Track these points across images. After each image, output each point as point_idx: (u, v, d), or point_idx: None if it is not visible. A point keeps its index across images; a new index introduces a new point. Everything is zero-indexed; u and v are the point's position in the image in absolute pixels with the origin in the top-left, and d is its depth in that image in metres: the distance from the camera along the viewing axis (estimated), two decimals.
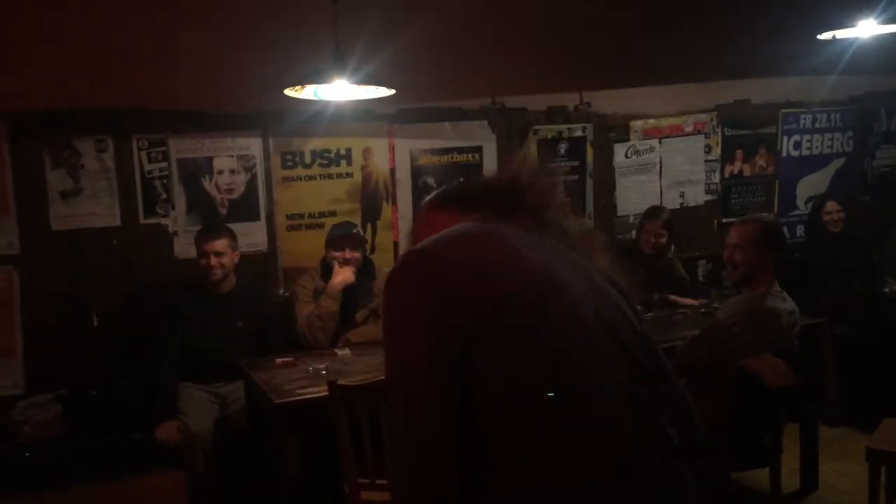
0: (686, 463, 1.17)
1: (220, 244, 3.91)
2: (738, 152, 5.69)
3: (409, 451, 1.10)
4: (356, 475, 2.96)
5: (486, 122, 5.02)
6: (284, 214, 4.63)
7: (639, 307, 1.32)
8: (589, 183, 5.30)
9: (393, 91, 3.13)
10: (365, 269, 4.10)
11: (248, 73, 3.61)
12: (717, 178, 5.65)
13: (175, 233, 4.38)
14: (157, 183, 4.34)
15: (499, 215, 1.27)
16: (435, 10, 2.98)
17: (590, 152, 5.31)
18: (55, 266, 4.14)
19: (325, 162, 4.71)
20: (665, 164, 5.50)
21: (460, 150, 4.98)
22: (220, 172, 4.48)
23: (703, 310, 4.24)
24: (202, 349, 3.89)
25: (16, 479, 3.58)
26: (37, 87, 3.73)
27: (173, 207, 4.38)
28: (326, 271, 4.06)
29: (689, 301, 4.47)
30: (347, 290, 4.00)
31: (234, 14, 2.97)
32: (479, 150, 5.02)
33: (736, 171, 5.71)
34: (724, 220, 5.57)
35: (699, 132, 5.57)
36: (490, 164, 5.04)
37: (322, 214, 4.71)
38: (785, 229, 5.74)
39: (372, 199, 4.82)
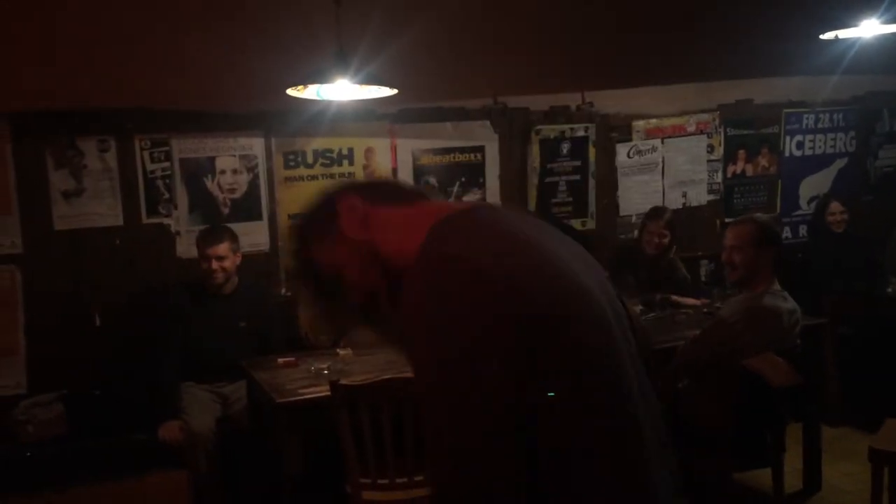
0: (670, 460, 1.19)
1: (222, 248, 3.90)
2: (741, 152, 5.69)
3: (462, 460, 1.06)
4: (358, 475, 2.96)
5: (488, 122, 5.02)
6: (286, 214, 4.63)
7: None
8: (591, 183, 5.30)
9: (395, 91, 3.13)
10: None
11: (250, 73, 3.62)
12: (719, 178, 5.64)
13: (177, 233, 4.39)
14: (160, 183, 4.35)
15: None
16: (437, 11, 2.98)
17: (592, 152, 5.30)
18: (58, 266, 4.15)
19: (328, 162, 4.71)
20: (667, 164, 5.50)
21: (462, 150, 4.98)
22: (223, 172, 4.49)
23: (704, 310, 4.24)
24: (204, 349, 3.90)
25: (18, 479, 3.59)
26: (39, 87, 3.73)
27: (176, 207, 4.38)
28: None
29: (690, 301, 4.46)
30: None
31: (237, 14, 2.97)
32: (481, 149, 5.02)
33: (738, 171, 5.70)
34: (727, 220, 5.56)
35: (701, 132, 5.56)
36: (492, 164, 5.04)
37: None
38: (787, 229, 5.76)
39: None
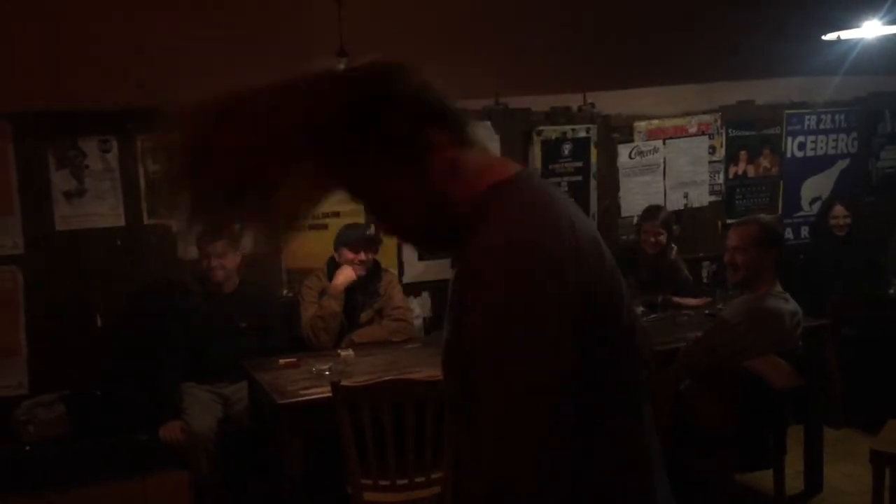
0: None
1: (221, 245, 3.91)
2: (742, 153, 5.68)
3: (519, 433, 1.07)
4: (359, 476, 2.96)
5: (489, 123, 5.02)
6: None
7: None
8: (593, 184, 5.30)
9: None
10: (370, 270, 4.09)
11: (252, 75, 3.62)
12: (721, 179, 5.64)
13: (179, 233, 4.39)
14: None
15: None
16: (438, 11, 2.98)
17: (593, 153, 5.30)
18: (59, 266, 4.15)
19: None
20: (669, 165, 5.49)
21: None
22: None
23: (706, 311, 4.23)
24: (205, 349, 3.90)
25: (20, 479, 3.59)
26: (41, 87, 3.73)
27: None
28: (333, 272, 4.05)
29: (692, 301, 4.47)
30: (352, 291, 4.00)
31: (239, 15, 2.97)
32: None
33: (740, 172, 5.70)
34: (728, 222, 5.56)
35: (703, 133, 5.56)
36: None
37: (326, 215, 4.70)
38: (789, 231, 5.75)
39: None
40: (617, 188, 5.40)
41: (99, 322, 4.23)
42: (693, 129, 5.53)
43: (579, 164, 5.25)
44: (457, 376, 1.16)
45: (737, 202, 5.69)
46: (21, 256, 4.09)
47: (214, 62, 3.48)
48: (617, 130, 5.36)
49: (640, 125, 5.41)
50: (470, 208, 1.14)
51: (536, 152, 5.10)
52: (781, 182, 5.81)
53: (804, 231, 5.78)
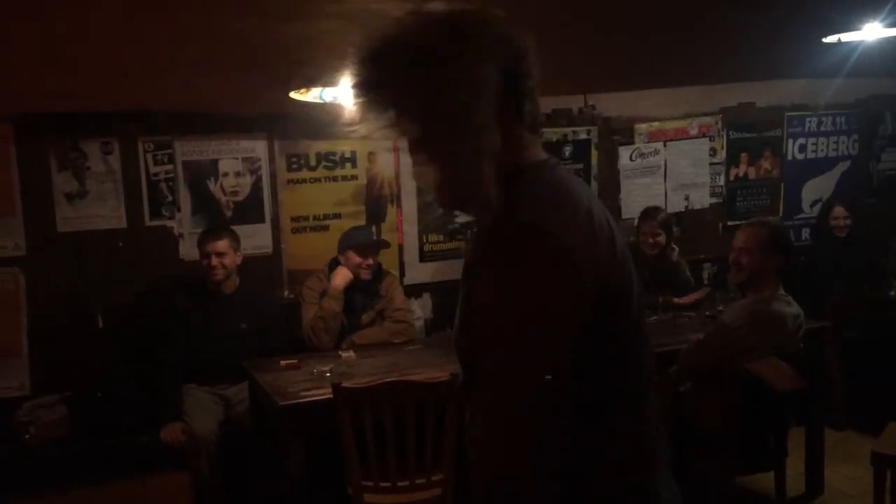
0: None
1: (222, 244, 3.92)
2: (743, 155, 5.69)
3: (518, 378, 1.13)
4: (360, 477, 2.96)
5: None
6: (289, 217, 4.64)
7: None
8: (593, 185, 5.30)
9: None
10: (372, 272, 4.09)
11: (253, 76, 3.62)
12: (721, 181, 5.64)
13: (180, 235, 4.39)
14: (163, 185, 4.35)
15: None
16: None
17: (594, 155, 5.30)
18: (61, 268, 4.16)
19: (331, 164, 4.71)
20: (670, 166, 5.50)
21: None
22: (226, 175, 4.49)
23: (707, 312, 4.24)
24: (206, 351, 3.90)
25: (21, 480, 3.59)
26: (43, 89, 3.74)
27: (179, 210, 4.39)
28: None
29: (692, 297, 4.48)
30: (353, 292, 4.00)
31: (241, 16, 2.97)
32: None
33: (741, 174, 5.70)
34: (729, 223, 5.57)
35: (704, 135, 5.56)
36: None
37: (327, 217, 4.71)
38: (790, 233, 5.74)
39: (376, 202, 4.83)
40: (618, 190, 5.40)
41: (100, 324, 4.23)
42: (694, 132, 5.54)
43: (580, 166, 5.26)
44: (468, 338, 1.24)
45: (738, 204, 5.69)
46: (23, 258, 4.10)
47: (216, 64, 3.48)
48: (618, 132, 5.37)
49: (641, 127, 5.41)
50: (504, 178, 1.18)
51: None
52: (782, 184, 5.81)
53: (805, 233, 5.78)
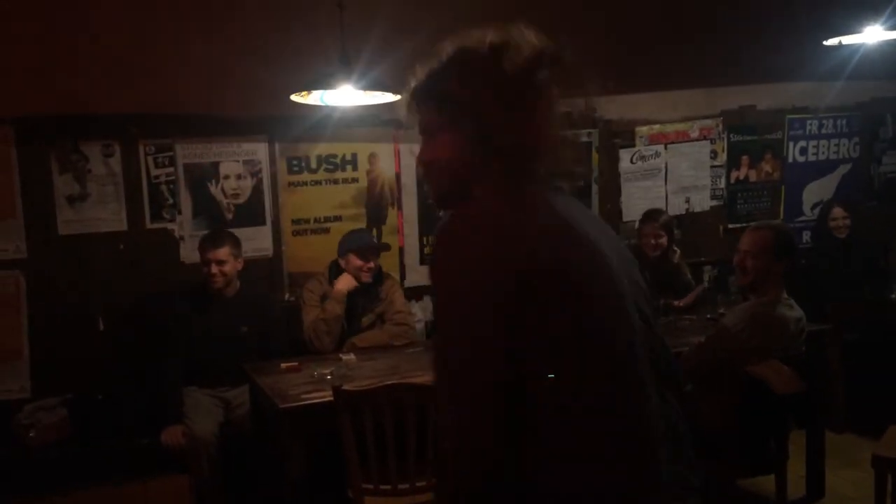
0: (687, 450, 1.24)
1: (222, 253, 3.91)
2: (744, 158, 5.69)
3: (455, 382, 1.14)
4: (360, 480, 2.96)
5: None
6: (290, 219, 4.64)
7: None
8: (594, 188, 5.30)
9: (399, 96, 3.13)
10: (373, 275, 4.09)
11: (254, 79, 3.63)
12: (722, 183, 5.64)
13: (181, 238, 4.39)
14: (164, 188, 4.36)
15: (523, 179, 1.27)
16: (440, 16, 2.98)
17: (595, 158, 5.31)
18: (62, 270, 4.16)
19: (331, 167, 4.72)
20: (671, 169, 5.50)
21: None
22: (227, 177, 4.50)
23: (708, 315, 4.23)
24: (207, 353, 3.90)
25: (21, 483, 3.59)
26: (44, 91, 3.74)
27: (179, 212, 4.39)
28: (335, 276, 4.06)
29: (686, 299, 4.49)
30: (353, 295, 4.00)
31: (242, 19, 2.98)
32: None
33: (742, 177, 5.70)
34: (730, 226, 5.57)
35: (705, 138, 5.56)
36: None
37: (328, 219, 4.72)
38: (795, 237, 5.74)
39: (377, 205, 4.83)
40: (618, 193, 5.40)
41: (101, 326, 4.23)
42: (695, 134, 5.54)
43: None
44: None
45: (738, 207, 5.69)
46: (24, 261, 4.10)
47: (217, 67, 3.49)
48: (618, 135, 5.37)
49: (642, 130, 5.41)
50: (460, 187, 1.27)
51: None
52: (783, 187, 5.81)
53: (806, 236, 5.77)
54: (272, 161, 4.58)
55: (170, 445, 3.67)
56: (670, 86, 5.23)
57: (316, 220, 4.69)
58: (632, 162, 5.41)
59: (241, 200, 4.53)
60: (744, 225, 4.37)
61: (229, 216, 4.50)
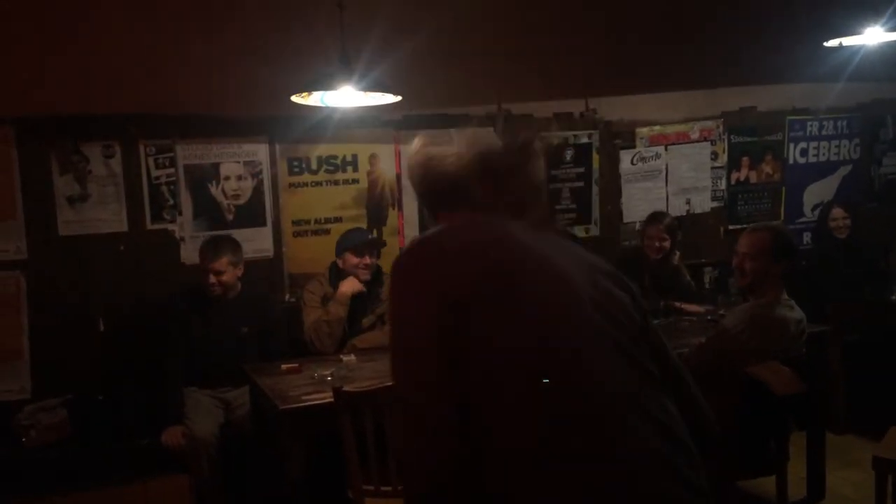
0: (685, 459, 1.21)
1: (220, 263, 3.89)
2: (745, 159, 5.69)
3: (405, 408, 1.19)
4: (360, 481, 2.95)
5: (492, 129, 5.02)
6: (290, 220, 4.64)
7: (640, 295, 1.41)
8: (595, 189, 5.30)
9: (399, 97, 3.14)
10: (373, 275, 4.10)
11: (254, 79, 3.63)
12: (723, 184, 5.64)
13: (182, 238, 4.40)
14: (164, 189, 4.36)
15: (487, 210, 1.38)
16: (441, 17, 2.99)
17: (595, 159, 5.31)
18: (62, 271, 4.16)
19: (332, 168, 4.72)
20: (671, 170, 5.50)
21: None
22: (227, 178, 4.50)
23: (709, 317, 4.23)
24: (207, 354, 3.90)
25: (21, 483, 3.59)
26: (44, 92, 3.75)
27: (180, 213, 4.40)
28: (335, 277, 4.06)
29: (694, 308, 4.46)
30: (355, 296, 4.00)
31: (242, 20, 2.98)
32: None
33: (742, 178, 5.70)
34: (731, 227, 5.57)
35: (705, 139, 5.57)
36: None
37: (328, 220, 4.72)
38: (794, 238, 5.74)
39: (378, 205, 4.83)
40: (619, 194, 5.40)
41: (101, 327, 4.23)
42: (695, 136, 5.54)
43: (581, 169, 5.26)
44: None
45: (739, 208, 5.69)
46: (24, 261, 4.10)
47: (218, 68, 3.49)
48: (619, 136, 5.37)
49: (643, 131, 5.42)
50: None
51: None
52: (784, 188, 5.81)
53: (806, 237, 5.78)
54: (273, 162, 4.58)
55: (170, 446, 3.67)
56: (671, 87, 5.23)
57: (316, 221, 4.69)
58: (632, 163, 5.41)
59: (241, 201, 4.53)
60: (744, 226, 4.37)
61: (230, 217, 4.50)
